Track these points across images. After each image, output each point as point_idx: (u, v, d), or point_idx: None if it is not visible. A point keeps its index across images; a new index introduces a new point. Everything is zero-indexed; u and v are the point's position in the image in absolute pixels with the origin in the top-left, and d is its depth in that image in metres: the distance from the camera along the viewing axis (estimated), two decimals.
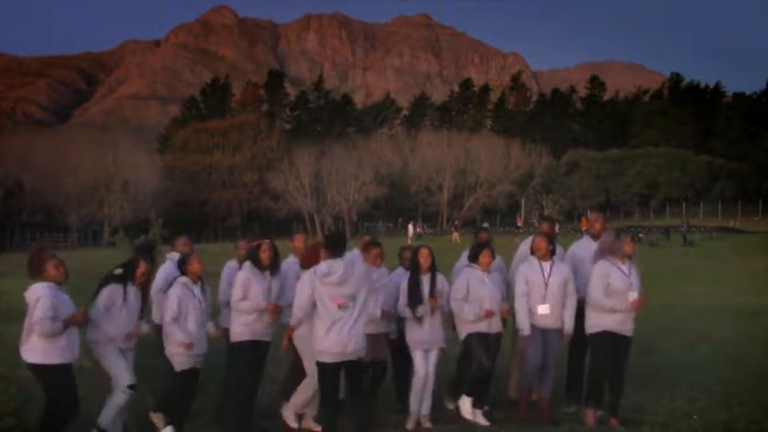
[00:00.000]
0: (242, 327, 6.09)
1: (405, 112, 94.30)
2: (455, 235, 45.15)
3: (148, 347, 6.14)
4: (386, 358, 6.59)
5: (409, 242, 38.62)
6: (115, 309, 5.67)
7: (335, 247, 5.51)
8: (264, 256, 6.12)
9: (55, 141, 68.93)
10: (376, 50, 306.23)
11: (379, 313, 5.80)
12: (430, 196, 71.27)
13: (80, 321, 5.37)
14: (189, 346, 5.76)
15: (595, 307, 6.23)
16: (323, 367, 5.42)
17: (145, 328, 6.03)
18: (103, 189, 62.64)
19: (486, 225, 46.44)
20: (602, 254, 6.36)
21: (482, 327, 6.34)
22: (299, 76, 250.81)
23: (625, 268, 6.27)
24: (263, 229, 63.37)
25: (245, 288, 6.06)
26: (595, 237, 6.86)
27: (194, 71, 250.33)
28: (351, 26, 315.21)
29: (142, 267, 5.86)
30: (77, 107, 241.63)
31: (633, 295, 6.19)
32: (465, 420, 6.36)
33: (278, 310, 6.09)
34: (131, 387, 5.69)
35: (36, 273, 5.37)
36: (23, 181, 60.95)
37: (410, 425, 6.31)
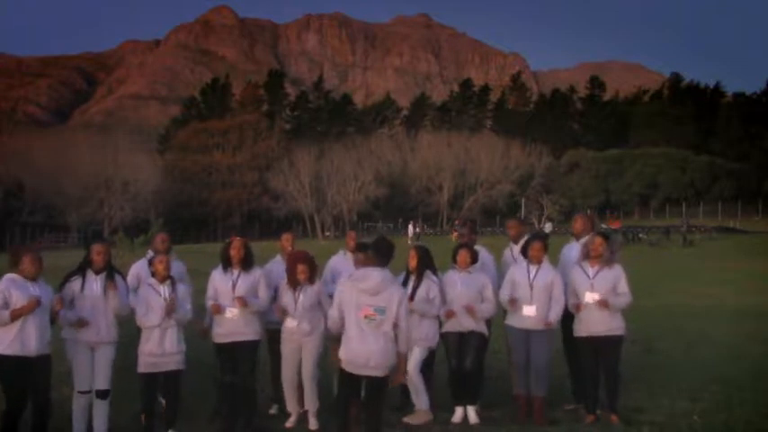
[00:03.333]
0: (216, 327, 6.18)
1: (405, 112, 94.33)
2: (455, 235, 45.10)
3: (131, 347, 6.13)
4: None
5: (409, 242, 38.62)
6: (75, 299, 5.71)
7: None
8: (234, 252, 6.19)
9: (55, 141, 68.88)
10: (376, 50, 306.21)
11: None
12: (430, 196, 71.25)
13: (27, 311, 5.28)
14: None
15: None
16: (343, 375, 5.26)
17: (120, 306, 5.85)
18: (103, 189, 62.58)
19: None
20: (580, 258, 6.54)
21: (449, 326, 6.47)
22: (299, 76, 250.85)
23: (591, 270, 6.34)
24: (263, 229, 63.38)
25: (214, 289, 6.20)
26: (578, 237, 6.92)
27: (194, 71, 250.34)
28: (351, 26, 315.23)
29: (95, 249, 5.83)
30: (77, 107, 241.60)
31: (593, 296, 6.24)
32: (463, 421, 6.39)
33: (239, 303, 6.04)
34: (83, 392, 5.69)
35: (12, 264, 5.49)
36: (23, 181, 60.94)
37: (407, 418, 6.37)
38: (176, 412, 6.02)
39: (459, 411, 6.42)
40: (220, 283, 6.17)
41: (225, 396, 6.08)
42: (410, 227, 50.05)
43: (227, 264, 6.22)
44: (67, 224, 61.00)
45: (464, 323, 6.44)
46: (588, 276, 6.33)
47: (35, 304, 5.30)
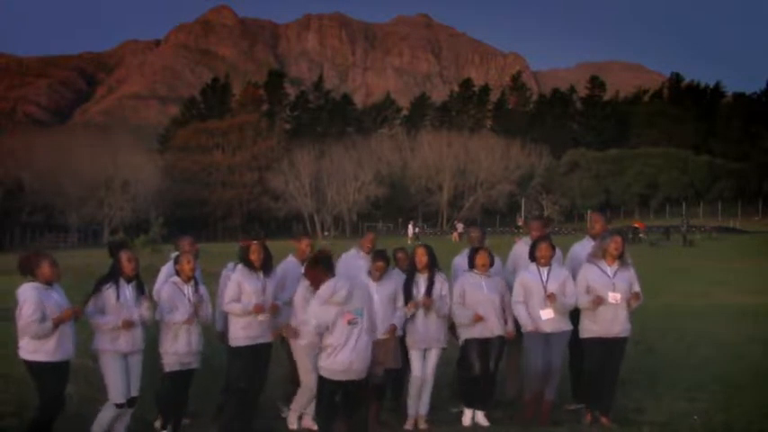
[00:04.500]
0: (240, 330, 6.04)
1: (405, 112, 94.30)
2: (455, 235, 45.14)
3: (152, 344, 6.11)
4: (398, 366, 6.38)
5: (409, 242, 38.62)
6: (110, 308, 5.61)
7: (326, 268, 5.44)
8: (254, 257, 6.09)
9: (55, 141, 68.77)
10: (376, 50, 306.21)
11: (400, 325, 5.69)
12: (430, 196, 71.27)
13: (68, 319, 5.30)
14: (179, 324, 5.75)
15: (580, 308, 6.31)
16: (324, 382, 5.36)
17: (145, 312, 5.79)
18: (103, 189, 62.59)
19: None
20: (590, 256, 6.43)
21: (477, 331, 6.31)
22: (299, 76, 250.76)
23: (610, 269, 6.28)
24: (263, 229, 63.34)
25: (237, 289, 6.02)
26: (595, 238, 6.85)
27: (194, 71, 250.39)
28: (351, 26, 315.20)
29: (125, 257, 5.75)
30: (77, 107, 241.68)
31: (615, 296, 6.19)
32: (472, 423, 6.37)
33: (274, 309, 6.06)
34: (121, 405, 5.61)
35: (27, 272, 5.36)
36: (23, 181, 60.94)
37: (408, 425, 6.28)
38: (185, 411, 6.05)
39: (468, 414, 6.37)
40: (248, 284, 6.02)
41: (235, 398, 6.03)
42: (410, 227, 50.09)
43: (251, 267, 6.10)
44: (67, 224, 61.01)
45: (493, 328, 6.35)
46: (609, 276, 6.26)
47: (72, 314, 5.31)
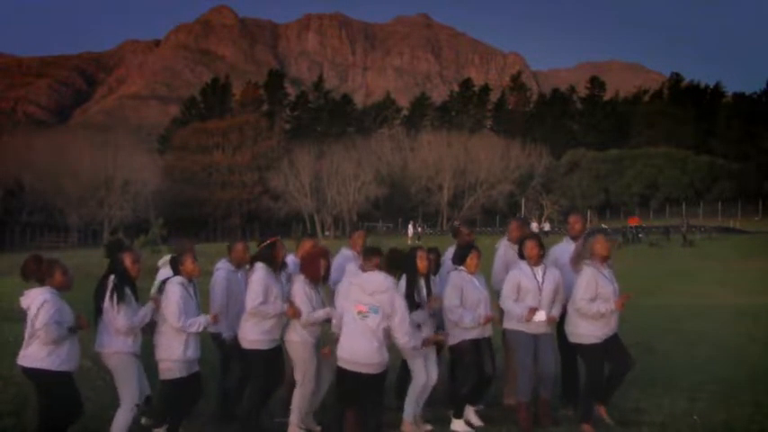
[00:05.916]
0: (262, 334, 5.87)
1: (405, 112, 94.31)
2: None
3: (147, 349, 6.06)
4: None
5: (409, 242, 38.61)
6: (133, 311, 5.50)
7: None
8: (280, 254, 6.00)
9: (55, 141, 68.78)
10: (376, 50, 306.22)
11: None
12: (430, 196, 71.25)
13: (85, 327, 5.24)
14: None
15: (582, 314, 6.05)
16: (338, 371, 5.46)
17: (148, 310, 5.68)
18: (103, 189, 62.57)
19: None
20: (577, 258, 6.23)
21: (474, 333, 6.21)
22: (299, 76, 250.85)
23: (608, 273, 6.14)
24: (263, 229, 63.34)
25: (265, 291, 5.80)
26: (575, 239, 6.78)
27: (194, 71, 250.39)
28: (351, 26, 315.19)
29: (130, 258, 5.56)
30: (77, 107, 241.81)
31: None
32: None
33: (299, 312, 5.88)
34: (138, 405, 5.48)
35: (36, 277, 5.20)
36: (23, 181, 60.95)
37: (406, 427, 6.22)
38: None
39: (459, 422, 6.29)
40: (276, 287, 5.89)
41: (256, 403, 5.96)
42: (410, 227, 50.08)
43: (275, 266, 5.96)
44: (67, 224, 60.99)
45: (487, 328, 6.33)
46: (610, 280, 6.12)
47: (86, 324, 5.25)
